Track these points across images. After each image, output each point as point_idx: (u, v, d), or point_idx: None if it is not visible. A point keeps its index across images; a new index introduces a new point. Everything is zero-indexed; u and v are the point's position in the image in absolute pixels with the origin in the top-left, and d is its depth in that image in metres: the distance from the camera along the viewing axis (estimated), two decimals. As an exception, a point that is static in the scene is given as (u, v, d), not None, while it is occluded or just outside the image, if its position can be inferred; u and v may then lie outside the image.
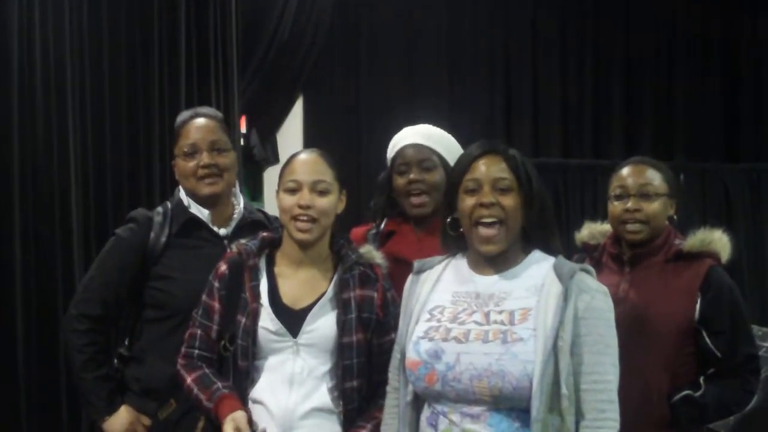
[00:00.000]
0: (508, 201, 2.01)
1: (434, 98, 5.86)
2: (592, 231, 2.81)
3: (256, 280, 2.26)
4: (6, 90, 3.42)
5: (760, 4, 6.64)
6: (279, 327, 2.20)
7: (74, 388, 2.78)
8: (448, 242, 2.15)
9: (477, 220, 2.02)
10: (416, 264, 2.19)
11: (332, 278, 2.28)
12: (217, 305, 2.27)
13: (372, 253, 2.36)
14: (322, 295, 2.25)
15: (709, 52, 6.71)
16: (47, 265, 3.53)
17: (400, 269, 2.31)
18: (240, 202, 2.72)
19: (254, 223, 2.67)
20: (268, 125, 5.59)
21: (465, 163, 2.08)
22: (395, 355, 2.16)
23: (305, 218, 2.21)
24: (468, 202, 2.03)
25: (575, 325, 1.91)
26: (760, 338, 3.90)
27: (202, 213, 2.62)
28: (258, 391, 2.21)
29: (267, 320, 2.21)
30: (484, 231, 2.01)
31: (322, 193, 2.24)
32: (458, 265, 2.14)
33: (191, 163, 2.59)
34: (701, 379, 2.53)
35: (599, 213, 2.99)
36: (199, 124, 2.63)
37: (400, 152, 2.75)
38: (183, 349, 2.32)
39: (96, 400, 2.55)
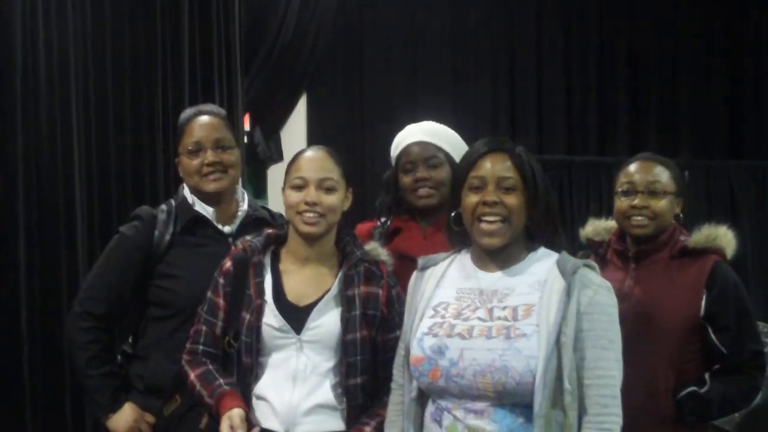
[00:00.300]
0: (512, 200, 2.01)
1: (438, 96, 5.87)
2: (596, 228, 2.81)
3: (261, 276, 2.26)
4: (10, 88, 3.42)
5: (765, 0, 6.62)
6: (283, 324, 2.20)
7: (78, 387, 2.77)
8: (453, 237, 2.15)
9: (479, 217, 2.02)
10: (420, 261, 2.20)
11: (337, 275, 2.28)
12: (221, 302, 2.28)
13: (377, 250, 2.36)
14: (327, 291, 2.25)
15: (714, 49, 6.70)
16: (51, 263, 3.52)
17: (407, 266, 2.30)
18: (244, 200, 2.71)
19: (258, 221, 2.66)
20: (271, 123, 5.60)
21: (471, 160, 2.08)
22: (399, 352, 2.16)
23: (311, 214, 2.21)
24: (472, 199, 2.03)
25: (578, 320, 1.91)
26: (765, 334, 3.89)
27: (206, 211, 2.62)
28: (262, 387, 2.22)
29: (271, 317, 2.21)
30: (485, 225, 2.01)
31: (329, 190, 2.24)
32: (462, 261, 2.14)
33: (196, 161, 2.59)
34: (706, 376, 2.52)
35: (604, 210, 2.99)
36: (203, 121, 2.63)
37: (406, 150, 2.75)
38: (188, 345, 2.32)
39: (100, 397, 2.55)
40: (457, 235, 2.14)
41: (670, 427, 2.52)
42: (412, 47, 6.09)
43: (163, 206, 2.66)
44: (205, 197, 2.62)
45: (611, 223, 2.76)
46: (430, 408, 2.03)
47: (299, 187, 2.24)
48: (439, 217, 2.61)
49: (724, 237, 2.59)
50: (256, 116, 5.43)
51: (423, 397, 2.06)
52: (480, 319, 1.98)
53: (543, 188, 2.05)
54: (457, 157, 2.47)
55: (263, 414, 2.20)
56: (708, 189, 6.37)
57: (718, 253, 2.57)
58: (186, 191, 2.66)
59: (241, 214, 2.67)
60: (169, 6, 4.04)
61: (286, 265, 2.31)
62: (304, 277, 2.28)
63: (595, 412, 1.89)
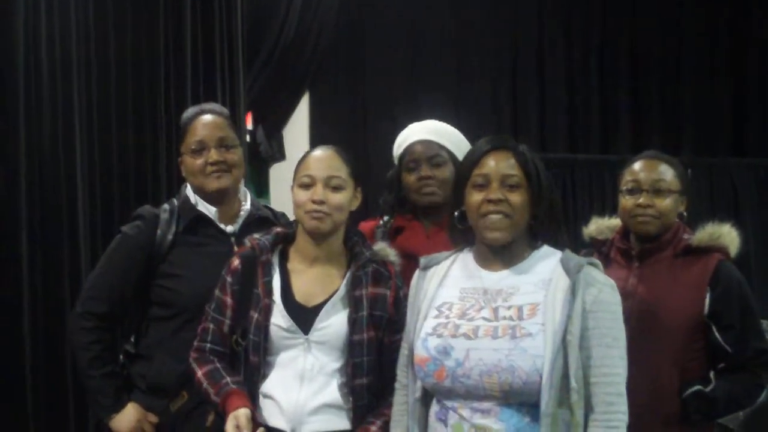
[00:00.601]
0: (516, 197, 2.01)
1: (440, 95, 5.87)
2: (599, 226, 2.80)
3: (269, 275, 2.26)
4: (12, 86, 3.41)
5: (768, -1, 6.62)
6: (290, 324, 2.20)
7: (81, 386, 2.77)
8: (456, 235, 2.15)
9: (483, 215, 2.01)
10: (423, 260, 2.19)
11: (345, 275, 2.28)
12: (229, 300, 2.28)
13: (386, 250, 2.36)
14: (335, 292, 2.25)
15: (717, 47, 6.68)
16: (54, 262, 3.51)
17: (410, 265, 2.30)
18: (247, 199, 2.70)
19: (261, 220, 2.66)
20: (274, 122, 5.60)
21: (474, 158, 2.07)
22: (403, 352, 2.16)
23: (318, 212, 2.21)
24: (476, 197, 2.03)
25: (583, 319, 1.91)
26: (769, 333, 3.89)
27: (209, 210, 2.61)
28: (269, 386, 2.22)
29: (279, 317, 2.21)
30: (491, 220, 2.00)
31: (336, 188, 2.23)
32: (465, 260, 2.14)
33: (199, 160, 2.58)
34: (711, 374, 2.52)
35: (607, 208, 2.98)
36: (206, 120, 2.62)
37: (409, 149, 2.75)
38: (195, 343, 2.32)
39: (102, 398, 2.55)
40: (459, 233, 2.14)
41: (675, 426, 2.51)
42: (414, 46, 6.10)
43: (166, 206, 2.65)
44: (208, 196, 2.61)
45: (615, 222, 2.75)
46: (435, 407, 2.03)
47: (307, 186, 2.23)
48: (441, 216, 2.61)
49: (727, 235, 2.58)
50: (259, 115, 5.43)
51: (427, 396, 2.05)
52: (485, 318, 1.98)
53: (547, 186, 2.05)
54: (460, 155, 2.46)
55: (270, 412, 2.20)
56: (711, 187, 6.37)
57: (722, 251, 2.56)
58: (188, 191, 2.66)
59: (243, 213, 2.66)
60: (171, 5, 4.03)
61: (294, 264, 2.30)
62: (312, 277, 2.28)
63: (602, 410, 1.90)
